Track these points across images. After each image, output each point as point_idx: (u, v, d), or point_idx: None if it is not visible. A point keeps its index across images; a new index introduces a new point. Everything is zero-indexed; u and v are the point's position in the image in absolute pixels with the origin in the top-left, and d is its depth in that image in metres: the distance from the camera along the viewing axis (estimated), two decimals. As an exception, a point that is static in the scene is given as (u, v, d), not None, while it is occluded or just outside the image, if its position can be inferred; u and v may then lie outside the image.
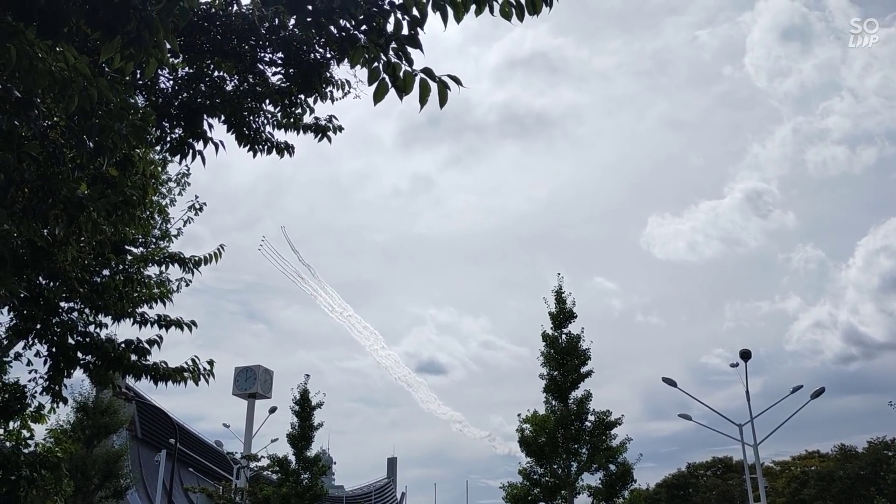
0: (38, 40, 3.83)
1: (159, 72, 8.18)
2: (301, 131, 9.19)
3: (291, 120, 8.98)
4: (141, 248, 11.30)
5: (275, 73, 8.54)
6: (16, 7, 3.66)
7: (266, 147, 8.85)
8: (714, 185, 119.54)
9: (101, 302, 9.01)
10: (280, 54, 8.34)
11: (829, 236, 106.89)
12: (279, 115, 8.95)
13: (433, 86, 3.80)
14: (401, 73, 3.78)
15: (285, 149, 9.04)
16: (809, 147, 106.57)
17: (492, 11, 4.38)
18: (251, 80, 8.52)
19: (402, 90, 3.81)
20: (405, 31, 3.74)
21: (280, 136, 9.05)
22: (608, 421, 32.07)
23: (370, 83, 3.77)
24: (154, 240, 11.97)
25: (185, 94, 8.35)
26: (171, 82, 8.34)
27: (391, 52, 3.76)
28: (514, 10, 4.39)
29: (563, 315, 33.95)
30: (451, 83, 3.85)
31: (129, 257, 10.42)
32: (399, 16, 3.75)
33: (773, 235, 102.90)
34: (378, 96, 3.84)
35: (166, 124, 7.66)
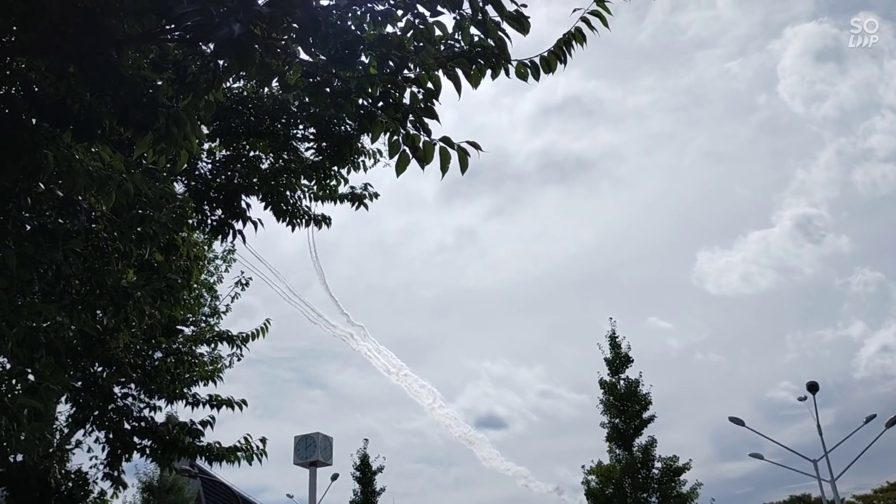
0: (75, 143, 4.02)
1: (197, 157, 8.48)
2: (338, 201, 9.38)
3: (327, 192, 9.17)
4: (192, 328, 11.54)
5: (307, 148, 8.78)
6: (52, 115, 3.85)
7: (304, 220, 9.03)
8: (762, 214, 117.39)
9: (153, 385, 9.20)
10: (311, 130, 8.58)
11: (887, 257, 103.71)
12: (315, 187, 9.16)
13: (453, 154, 3.86)
14: (420, 144, 3.86)
15: (322, 220, 9.22)
16: (856, 168, 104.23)
17: (507, 74, 4.46)
18: (285, 156, 8.76)
19: (423, 160, 3.88)
20: (421, 104, 3.83)
21: (317, 207, 9.25)
22: (676, 467, 31.12)
23: (391, 156, 3.86)
24: (204, 318, 12.24)
25: (223, 177, 8.61)
26: (210, 165, 8.63)
27: (409, 125, 3.84)
28: (529, 71, 4.46)
29: (619, 360, 33.34)
30: (470, 149, 3.91)
31: (181, 337, 10.64)
32: (414, 89, 3.84)
33: (828, 261, 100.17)
34: (400, 168, 3.92)
35: (206, 207, 7.88)
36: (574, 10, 4.46)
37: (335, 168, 8.80)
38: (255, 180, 8.66)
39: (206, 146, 8.60)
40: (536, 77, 4.55)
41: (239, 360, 12.13)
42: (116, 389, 9.22)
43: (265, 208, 8.73)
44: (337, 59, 3.71)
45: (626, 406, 32.17)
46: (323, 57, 3.74)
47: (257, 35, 3.24)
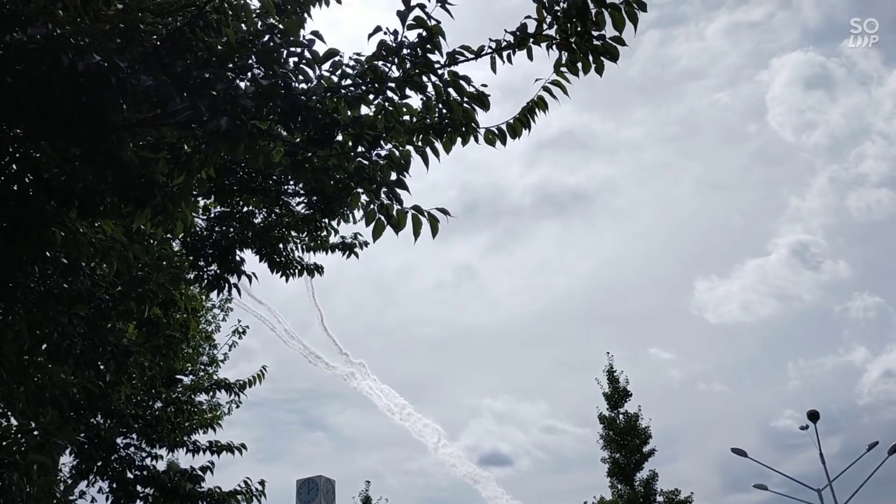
0: (79, 220, 4.41)
1: (193, 214, 8.89)
2: (329, 251, 9.76)
3: (318, 242, 9.56)
4: (191, 377, 11.86)
5: (298, 203, 9.18)
6: (58, 195, 4.24)
7: (297, 270, 9.41)
8: (758, 242, 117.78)
9: (154, 435, 9.49)
10: (302, 185, 8.99)
11: (886, 281, 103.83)
12: (307, 239, 9.55)
13: (424, 220, 4.25)
14: (394, 213, 4.25)
15: (315, 269, 9.60)
16: (850, 193, 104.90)
17: (476, 141, 4.87)
18: (278, 211, 9.16)
19: (397, 227, 4.27)
20: (393, 177, 4.23)
21: (309, 257, 9.63)
22: (678, 500, 31.12)
23: (367, 224, 4.25)
24: (203, 366, 12.56)
25: (218, 231, 9.00)
26: (205, 222, 9.02)
27: (383, 195, 4.23)
28: (496, 137, 4.88)
29: (617, 394, 33.45)
30: (440, 216, 4.30)
31: (180, 387, 10.95)
32: (386, 163, 4.24)
33: (827, 287, 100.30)
34: (376, 234, 4.31)
35: (202, 263, 8.26)
36: (536, 80, 4.86)
37: (326, 220, 9.20)
38: (249, 234, 9.05)
39: (201, 203, 9.00)
40: (504, 142, 4.95)
41: (238, 406, 12.45)
42: (119, 440, 9.52)
43: (260, 261, 9.10)
44: (315, 139, 4.12)
45: (626, 440, 32.22)
46: (304, 137, 4.16)
47: (243, 123, 3.63)
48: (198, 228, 8.93)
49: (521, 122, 4.90)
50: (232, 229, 8.78)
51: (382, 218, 4.27)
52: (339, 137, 4.20)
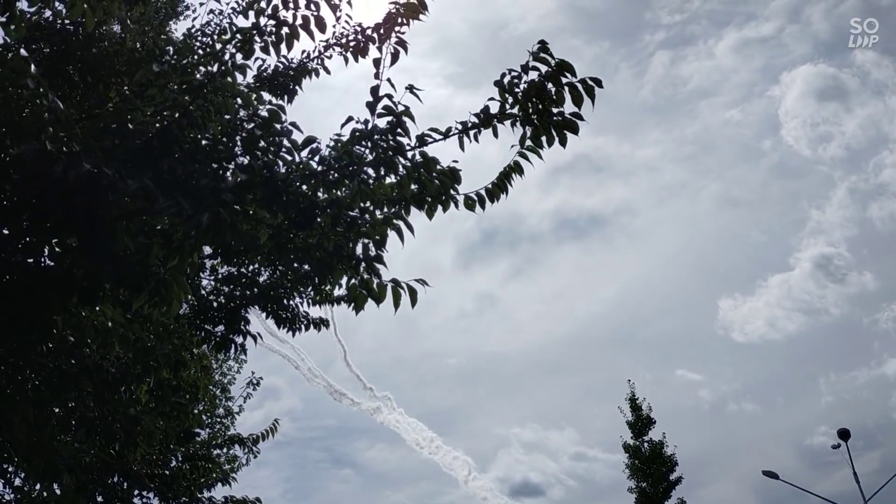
0: (80, 306, 4.69)
1: (201, 274, 9.20)
2: (335, 304, 10.03)
3: (323, 296, 9.82)
4: (207, 430, 12.10)
5: (310, 238, 9.46)
6: (58, 284, 4.53)
7: (304, 325, 9.66)
8: (780, 257, 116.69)
9: (170, 493, 9.71)
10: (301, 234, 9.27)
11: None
12: (312, 293, 9.81)
13: (403, 292, 4.49)
14: (374, 286, 4.49)
15: (321, 323, 9.85)
16: (871, 204, 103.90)
17: (457, 207, 5.12)
18: (282, 268, 9.44)
19: (378, 300, 4.51)
20: (372, 254, 4.48)
21: (315, 311, 9.89)
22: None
23: (349, 300, 4.49)
24: (219, 419, 12.80)
25: (224, 291, 9.29)
26: (212, 282, 9.33)
27: (363, 271, 4.49)
28: (476, 202, 5.12)
29: (640, 422, 33.26)
30: (418, 287, 4.54)
31: (197, 441, 11.20)
32: (365, 241, 4.50)
33: (854, 299, 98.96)
34: (358, 307, 4.56)
35: (209, 326, 8.53)
36: (512, 147, 5.11)
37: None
38: (255, 292, 9.33)
39: (208, 264, 9.30)
40: (483, 206, 5.19)
41: (255, 456, 12.62)
42: (136, 500, 9.75)
43: (266, 317, 9.37)
44: (297, 222, 4.39)
45: (651, 469, 31.96)
46: (286, 219, 4.43)
47: (225, 218, 3.89)
48: (205, 288, 9.24)
49: (498, 188, 5.14)
50: (238, 290, 9.07)
51: (364, 292, 4.52)
52: (319, 219, 4.46)
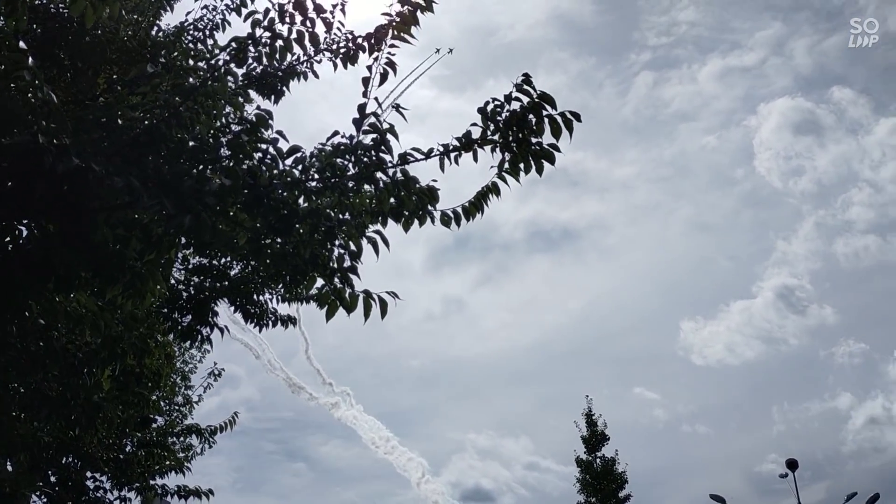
0: (55, 292, 4.76)
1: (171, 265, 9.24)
2: (304, 302, 10.10)
3: (294, 294, 9.89)
4: (165, 417, 12.09)
5: (287, 245, 9.53)
6: (36, 271, 4.59)
7: (272, 321, 9.74)
8: (744, 284, 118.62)
9: (124, 478, 9.72)
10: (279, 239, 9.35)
11: (871, 328, 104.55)
12: (282, 290, 9.88)
13: (374, 303, 4.63)
14: (346, 296, 4.63)
15: (289, 320, 9.93)
16: (836, 239, 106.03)
17: (433, 223, 5.26)
18: (254, 263, 9.50)
19: (349, 309, 4.65)
20: (347, 264, 4.61)
21: (284, 307, 9.95)
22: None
23: (321, 307, 4.62)
24: (177, 407, 12.78)
25: (194, 282, 9.33)
26: (183, 273, 9.36)
27: (336, 280, 4.62)
28: (452, 219, 5.27)
29: (595, 438, 33.64)
30: (389, 299, 4.68)
31: (154, 427, 11.19)
32: (340, 251, 4.63)
33: (812, 332, 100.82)
34: (329, 315, 4.69)
35: (176, 315, 8.57)
36: (491, 167, 5.27)
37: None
38: (226, 285, 9.38)
39: (180, 254, 9.33)
40: (458, 224, 5.34)
41: (211, 446, 12.63)
42: (89, 482, 9.74)
43: (234, 311, 9.43)
44: (276, 227, 4.51)
45: (602, 485, 32.34)
46: (265, 224, 4.54)
47: (206, 220, 4.00)
48: (175, 277, 9.27)
49: (475, 207, 5.29)
50: (208, 281, 9.11)
51: (335, 300, 4.65)
52: (298, 226, 4.58)
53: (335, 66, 6.70)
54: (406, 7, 5.46)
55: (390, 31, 5.57)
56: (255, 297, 9.51)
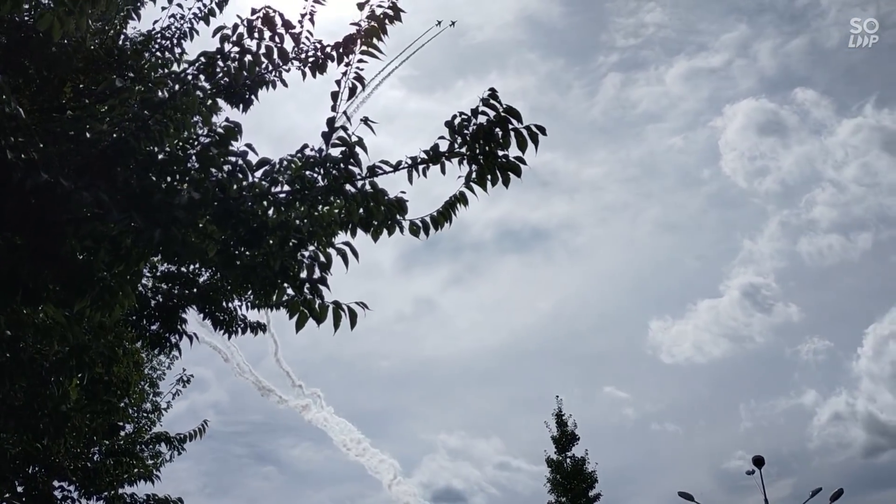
0: (23, 305, 4.75)
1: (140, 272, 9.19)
2: (274, 308, 10.09)
3: (263, 300, 9.88)
4: (133, 424, 12.00)
5: (257, 257, 9.52)
6: (4, 283, 4.58)
7: (241, 328, 9.72)
8: (711, 283, 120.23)
9: (92, 487, 9.65)
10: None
11: (835, 325, 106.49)
12: (252, 297, 9.87)
13: (344, 314, 4.69)
14: (316, 307, 4.68)
15: (258, 327, 9.92)
16: (801, 238, 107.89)
17: (402, 232, 5.33)
18: (235, 264, 9.48)
19: (318, 319, 4.70)
20: (316, 275, 4.67)
21: (253, 314, 9.94)
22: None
23: (290, 316, 4.66)
24: (146, 413, 12.69)
25: (163, 287, 9.29)
26: (151, 279, 9.31)
27: (306, 291, 4.67)
28: (420, 228, 5.34)
29: (565, 438, 33.92)
30: (359, 309, 4.75)
31: (122, 434, 11.11)
32: (310, 263, 4.69)
33: (778, 330, 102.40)
34: (299, 325, 4.74)
35: (144, 323, 8.53)
36: (458, 177, 5.35)
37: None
38: (194, 291, 9.35)
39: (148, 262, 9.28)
40: (427, 233, 5.42)
41: (180, 453, 12.56)
42: (56, 492, 9.65)
43: (203, 318, 9.39)
44: (246, 240, 4.55)
45: (572, 484, 32.62)
46: (235, 236, 4.58)
47: (175, 234, 4.04)
48: (144, 285, 9.22)
49: (443, 216, 5.37)
50: (176, 289, 9.08)
51: (305, 311, 4.70)
52: (268, 238, 4.63)
53: (304, 74, 6.75)
54: (372, 21, 5.54)
55: (358, 41, 5.64)
56: (224, 304, 9.49)
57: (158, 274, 9.45)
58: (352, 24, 5.67)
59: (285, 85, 7.51)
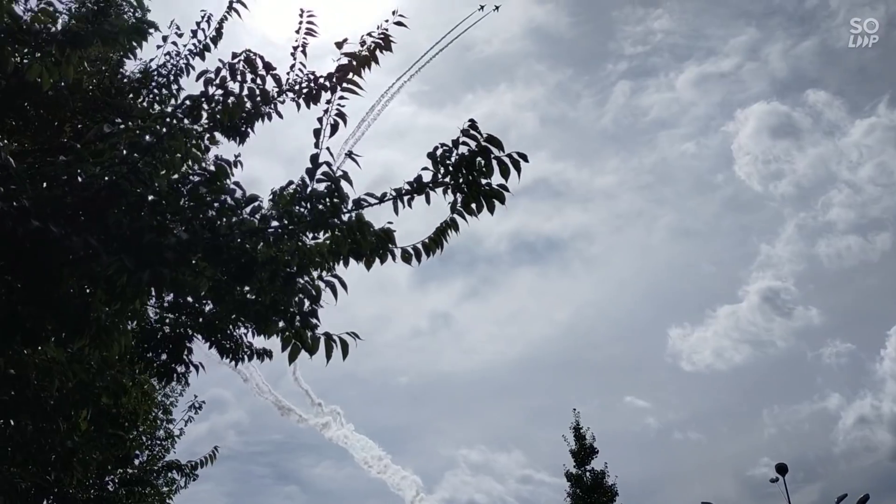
0: (24, 346, 4.87)
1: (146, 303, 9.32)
2: (279, 335, 10.19)
3: (269, 327, 9.98)
4: (147, 452, 12.12)
5: (249, 292, 9.63)
6: (3, 326, 4.70)
7: (247, 356, 9.81)
8: (730, 289, 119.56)
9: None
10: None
11: (857, 327, 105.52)
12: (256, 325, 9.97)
13: (335, 345, 4.77)
14: (307, 339, 4.76)
15: (265, 353, 10.02)
16: (818, 240, 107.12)
17: (394, 259, 5.41)
18: (227, 299, 9.59)
19: (311, 351, 4.78)
20: (307, 308, 4.76)
21: (260, 340, 10.03)
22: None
23: (283, 349, 4.75)
24: (159, 441, 12.81)
25: (169, 318, 9.40)
26: (157, 310, 9.43)
27: (297, 323, 4.76)
28: (412, 255, 5.42)
29: (584, 452, 33.75)
30: (350, 340, 4.82)
31: (136, 463, 11.24)
32: (300, 297, 4.78)
33: (799, 334, 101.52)
34: (292, 357, 4.82)
35: (150, 355, 8.64)
36: (449, 203, 5.43)
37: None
38: (200, 322, 9.46)
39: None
40: (419, 260, 5.49)
41: (194, 480, 12.66)
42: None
43: (209, 347, 9.49)
44: (236, 276, 4.65)
45: (592, 498, 32.43)
46: (226, 273, 4.68)
47: (164, 276, 4.13)
48: (149, 316, 9.34)
49: (434, 243, 5.44)
50: (182, 318, 9.19)
51: (298, 343, 4.78)
52: (259, 274, 4.72)
53: (298, 105, 6.88)
54: (363, 51, 5.67)
55: (350, 71, 5.77)
56: (229, 332, 9.59)
57: (164, 304, 9.58)
58: (344, 54, 5.79)
59: (280, 116, 7.65)
